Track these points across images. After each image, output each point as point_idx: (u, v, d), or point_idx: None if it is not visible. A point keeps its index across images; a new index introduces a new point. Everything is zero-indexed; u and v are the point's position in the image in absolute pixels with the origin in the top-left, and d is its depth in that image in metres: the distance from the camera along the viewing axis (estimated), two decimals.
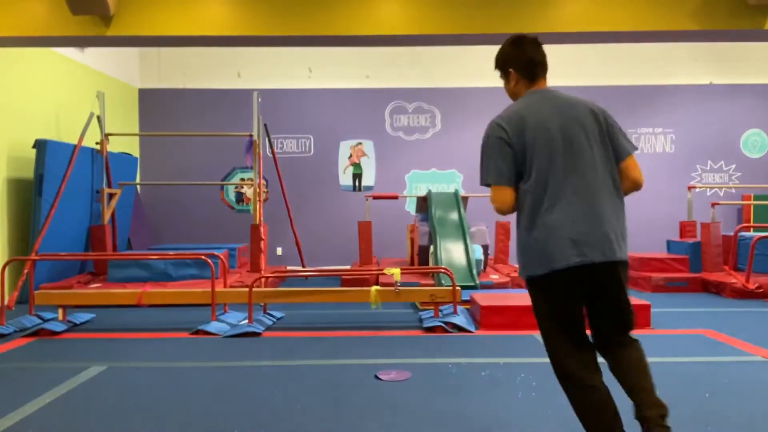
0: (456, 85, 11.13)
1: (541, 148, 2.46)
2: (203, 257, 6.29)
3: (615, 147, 2.53)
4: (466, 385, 3.81)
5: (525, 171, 2.48)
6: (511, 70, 2.65)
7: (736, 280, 7.50)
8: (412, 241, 8.96)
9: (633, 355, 2.56)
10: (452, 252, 7.87)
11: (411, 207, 10.94)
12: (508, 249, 9.45)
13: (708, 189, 11.07)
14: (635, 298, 5.82)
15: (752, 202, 10.18)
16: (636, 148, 2.58)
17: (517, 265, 9.83)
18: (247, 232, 9.24)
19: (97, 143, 8.59)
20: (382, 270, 6.19)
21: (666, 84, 11.17)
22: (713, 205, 8.67)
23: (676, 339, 5.12)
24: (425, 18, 6.07)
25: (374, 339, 5.18)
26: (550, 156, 2.45)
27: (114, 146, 9.18)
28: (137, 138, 10.98)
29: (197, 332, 5.39)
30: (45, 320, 5.71)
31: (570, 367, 2.44)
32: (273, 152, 10.02)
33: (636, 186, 2.55)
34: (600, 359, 2.52)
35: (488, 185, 2.54)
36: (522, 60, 2.64)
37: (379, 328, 5.62)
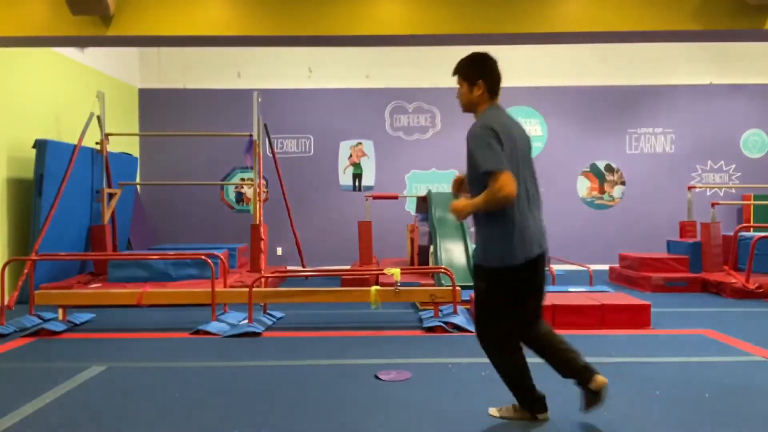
0: (456, 85, 11.09)
1: (520, 157, 2.99)
2: (203, 257, 6.29)
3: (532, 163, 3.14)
4: (466, 385, 3.81)
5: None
6: (481, 81, 3.07)
7: (736, 280, 7.49)
8: (412, 241, 8.96)
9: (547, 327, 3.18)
10: (452, 252, 7.87)
11: (411, 207, 10.94)
12: None
13: (708, 189, 11.08)
14: (635, 298, 5.83)
15: (752, 202, 10.18)
16: None
17: None
18: (247, 232, 9.24)
19: (97, 143, 8.59)
20: (382, 270, 6.19)
21: (666, 84, 11.18)
22: (713, 205, 8.67)
23: (676, 339, 5.12)
24: (425, 18, 6.07)
25: (374, 339, 5.18)
26: (523, 165, 3.01)
27: (114, 146, 9.18)
28: (137, 138, 10.98)
29: (197, 332, 5.39)
30: (45, 320, 5.71)
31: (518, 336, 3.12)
32: (273, 152, 10.02)
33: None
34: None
35: (492, 172, 2.84)
36: (494, 76, 3.09)
37: (379, 328, 5.62)
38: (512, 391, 3.16)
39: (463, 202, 2.99)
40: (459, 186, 3.28)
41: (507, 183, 2.81)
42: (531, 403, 3.14)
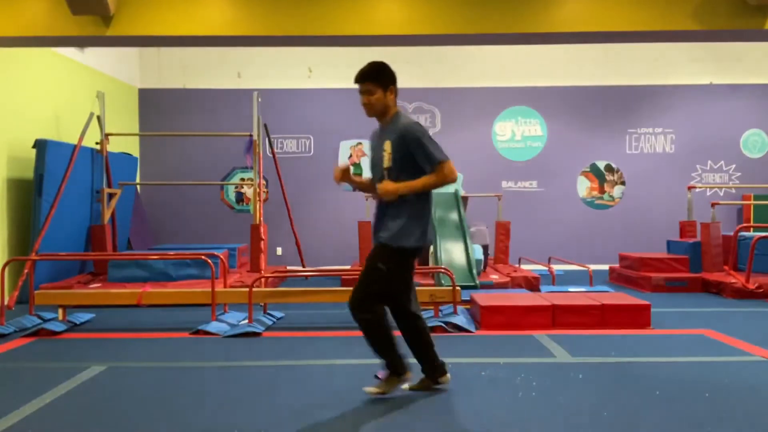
0: (456, 85, 11.13)
1: None
2: (203, 257, 6.29)
3: None
4: (466, 385, 3.81)
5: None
6: (392, 86, 3.49)
7: (736, 280, 7.49)
8: None
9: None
10: (452, 252, 7.87)
11: None
12: (508, 249, 9.46)
13: (708, 189, 11.08)
14: (635, 298, 5.83)
15: (752, 202, 10.18)
16: None
17: (517, 265, 9.83)
18: (247, 232, 9.24)
19: (97, 143, 8.59)
20: None
21: (666, 84, 11.18)
22: (713, 205, 8.66)
23: (676, 339, 5.12)
24: (425, 18, 6.07)
25: None
26: None
27: (114, 146, 9.18)
28: (137, 138, 10.98)
29: (197, 332, 5.39)
30: (45, 320, 5.71)
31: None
32: (273, 152, 10.02)
33: None
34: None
35: (442, 161, 3.35)
36: (396, 82, 3.51)
37: None
38: (384, 355, 3.50)
39: (394, 185, 3.35)
40: (344, 174, 3.65)
41: (454, 169, 3.38)
42: (398, 365, 3.52)
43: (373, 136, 3.68)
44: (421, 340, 3.58)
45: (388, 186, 3.35)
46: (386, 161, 3.44)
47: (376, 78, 3.47)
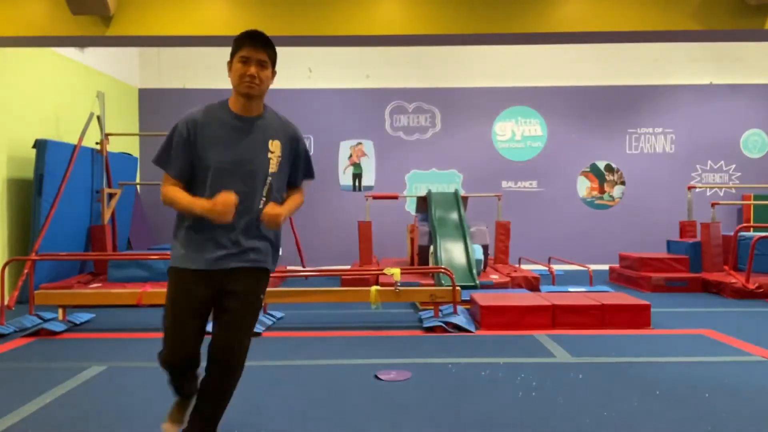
0: (456, 85, 11.13)
1: None
2: None
3: None
4: (466, 385, 3.81)
5: None
6: (275, 70, 2.67)
7: (736, 280, 7.49)
8: (412, 241, 8.96)
9: None
10: (452, 252, 7.87)
11: (411, 207, 10.94)
12: (508, 249, 9.45)
13: (708, 189, 11.08)
14: (635, 298, 5.83)
15: (752, 202, 10.18)
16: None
17: (517, 265, 9.82)
18: None
19: (97, 143, 8.59)
20: (382, 270, 6.19)
21: (666, 84, 11.18)
22: (713, 205, 8.67)
23: (676, 339, 5.12)
24: (425, 18, 6.07)
25: (374, 339, 5.18)
26: None
27: (114, 146, 9.18)
28: (137, 138, 10.98)
29: None
30: (45, 320, 5.71)
31: None
32: None
33: None
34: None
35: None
36: None
37: (379, 328, 5.62)
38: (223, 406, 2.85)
39: (279, 209, 2.53)
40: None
41: None
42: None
43: (216, 122, 2.79)
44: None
45: (277, 212, 2.51)
46: (274, 165, 2.59)
47: (274, 53, 2.61)
